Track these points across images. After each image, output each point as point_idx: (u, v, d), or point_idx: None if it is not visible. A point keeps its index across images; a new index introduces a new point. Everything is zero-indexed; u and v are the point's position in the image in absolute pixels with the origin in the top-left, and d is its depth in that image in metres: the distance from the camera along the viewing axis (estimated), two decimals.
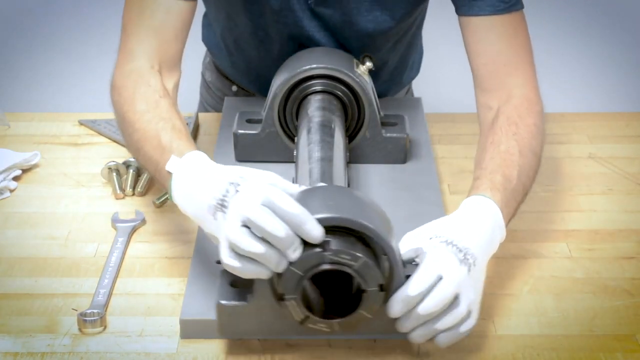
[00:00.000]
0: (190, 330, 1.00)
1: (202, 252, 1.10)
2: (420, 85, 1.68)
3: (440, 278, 0.94)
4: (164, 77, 1.19)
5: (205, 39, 1.55)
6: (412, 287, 0.93)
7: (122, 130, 1.14)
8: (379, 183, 1.27)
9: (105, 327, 1.02)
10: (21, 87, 2.73)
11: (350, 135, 1.29)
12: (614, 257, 1.16)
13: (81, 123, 1.47)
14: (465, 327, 0.96)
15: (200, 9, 1.53)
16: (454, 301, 0.94)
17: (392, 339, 1.00)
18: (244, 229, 0.89)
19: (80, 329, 1.02)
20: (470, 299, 0.95)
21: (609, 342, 1.01)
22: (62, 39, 2.82)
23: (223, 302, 0.96)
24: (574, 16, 2.82)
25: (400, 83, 1.54)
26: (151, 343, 1.00)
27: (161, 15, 1.21)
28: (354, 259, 0.90)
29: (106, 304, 1.05)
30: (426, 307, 0.93)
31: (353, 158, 1.29)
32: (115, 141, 1.42)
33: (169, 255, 1.15)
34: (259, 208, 0.89)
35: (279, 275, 0.91)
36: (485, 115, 1.22)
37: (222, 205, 0.92)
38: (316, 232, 0.89)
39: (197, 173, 0.99)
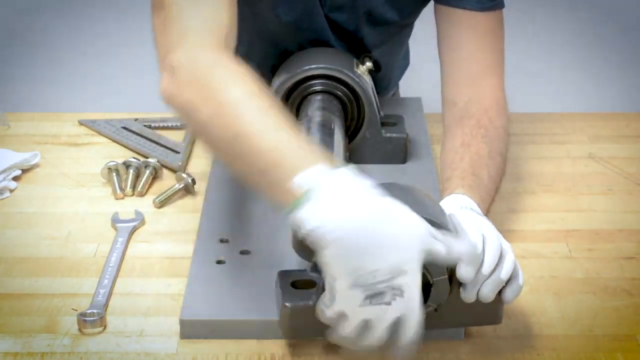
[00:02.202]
0: (190, 330, 1.00)
1: (202, 252, 1.10)
2: (419, 85, 1.68)
3: (482, 234, 0.94)
4: None
5: None
6: (475, 246, 0.92)
7: (210, 105, 0.90)
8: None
9: (105, 327, 1.02)
10: (21, 87, 2.73)
11: (350, 135, 1.30)
12: (614, 257, 1.16)
13: (81, 123, 1.47)
14: (521, 278, 0.96)
15: None
16: (502, 250, 0.95)
17: None
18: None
19: (80, 329, 1.02)
20: (509, 246, 0.96)
21: (609, 342, 1.01)
22: (62, 39, 2.82)
23: (288, 304, 0.94)
24: (574, 16, 2.82)
25: (398, 76, 1.55)
26: (151, 343, 1.00)
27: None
28: None
29: (106, 304, 1.05)
30: (489, 264, 0.93)
31: (353, 158, 1.29)
32: (115, 141, 1.42)
33: (169, 255, 1.15)
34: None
35: None
36: (450, 110, 1.23)
37: (375, 299, 0.84)
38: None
39: (358, 210, 0.83)
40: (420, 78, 1.61)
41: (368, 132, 1.29)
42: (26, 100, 2.63)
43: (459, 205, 1.02)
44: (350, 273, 0.83)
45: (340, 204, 0.82)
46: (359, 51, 1.34)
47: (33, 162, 1.34)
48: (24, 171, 1.33)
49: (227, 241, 1.12)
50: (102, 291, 1.07)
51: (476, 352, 0.99)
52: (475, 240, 0.93)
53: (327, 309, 0.88)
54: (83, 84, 2.71)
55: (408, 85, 1.66)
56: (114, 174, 1.29)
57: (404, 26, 1.40)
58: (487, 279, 0.93)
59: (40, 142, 1.42)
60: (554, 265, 1.14)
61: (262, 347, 0.99)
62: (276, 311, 0.98)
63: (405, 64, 1.57)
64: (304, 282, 0.96)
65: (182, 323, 1.00)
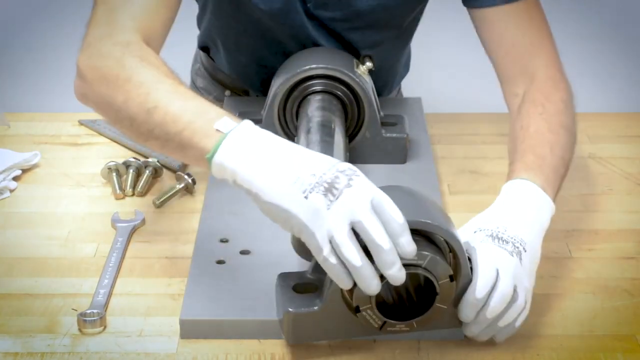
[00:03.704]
0: (190, 330, 1.00)
1: (202, 252, 1.10)
2: (418, 85, 1.68)
3: (497, 273, 0.93)
4: None
5: (200, 43, 1.54)
6: (478, 290, 0.93)
7: (121, 91, 0.99)
8: (379, 183, 1.26)
9: (105, 327, 1.02)
10: (21, 87, 2.73)
11: (350, 135, 1.29)
12: (614, 257, 1.16)
13: (81, 123, 1.47)
14: (520, 320, 0.96)
15: (188, 16, 1.52)
16: (513, 294, 0.94)
17: (392, 340, 1.00)
18: (351, 233, 0.85)
19: (80, 329, 1.02)
20: (526, 288, 0.96)
21: (609, 342, 1.01)
22: (62, 39, 2.81)
23: (291, 309, 0.94)
24: (574, 16, 2.81)
25: (394, 82, 1.54)
26: (151, 343, 1.00)
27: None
28: (421, 258, 0.90)
29: (106, 304, 1.05)
30: (493, 310, 0.93)
31: (353, 158, 1.29)
32: (115, 141, 1.42)
33: (169, 255, 1.15)
34: (371, 213, 0.86)
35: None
36: (513, 102, 1.21)
37: (330, 192, 0.86)
38: (411, 247, 0.86)
39: (277, 140, 0.91)
40: (418, 78, 1.61)
41: (368, 132, 1.29)
42: (26, 100, 2.63)
43: (493, 227, 0.98)
44: (290, 184, 0.86)
45: (246, 145, 0.90)
46: (349, 52, 1.34)
47: (33, 162, 1.34)
48: (24, 171, 1.33)
49: (227, 241, 1.12)
50: (102, 291, 1.07)
51: (476, 352, 0.99)
52: (484, 283, 0.92)
53: (324, 250, 0.86)
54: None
55: (409, 85, 1.66)
56: (114, 174, 1.29)
57: (396, 28, 1.39)
58: (487, 320, 0.94)
59: (40, 142, 1.42)
60: (554, 265, 1.14)
61: (262, 347, 0.99)
62: (276, 312, 0.98)
63: (404, 70, 1.56)
64: (305, 286, 0.96)
65: (182, 323, 1.00)
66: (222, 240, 1.12)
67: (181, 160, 1.22)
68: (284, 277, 0.97)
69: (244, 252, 1.10)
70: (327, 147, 1.15)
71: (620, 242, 1.19)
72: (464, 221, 1.03)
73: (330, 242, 0.86)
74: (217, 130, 0.91)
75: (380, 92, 1.49)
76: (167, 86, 0.98)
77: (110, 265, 1.12)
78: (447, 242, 0.93)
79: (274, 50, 1.37)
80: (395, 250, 0.86)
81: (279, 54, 1.34)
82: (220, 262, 1.09)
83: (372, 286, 0.87)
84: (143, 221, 1.21)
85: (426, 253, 0.90)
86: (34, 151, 1.35)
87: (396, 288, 0.95)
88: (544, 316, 1.05)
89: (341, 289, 0.92)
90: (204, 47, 1.54)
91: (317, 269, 0.93)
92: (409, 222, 0.88)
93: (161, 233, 1.20)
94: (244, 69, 1.48)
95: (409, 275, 0.90)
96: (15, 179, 1.31)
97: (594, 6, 2.83)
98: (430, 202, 0.96)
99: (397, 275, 0.86)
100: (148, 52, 1.04)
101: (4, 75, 2.78)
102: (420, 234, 0.92)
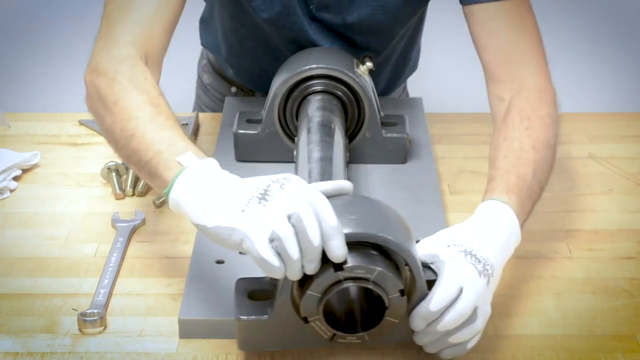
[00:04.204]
0: (189, 330, 1.00)
1: (201, 252, 1.10)
2: (419, 85, 1.68)
3: (461, 290, 0.92)
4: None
5: (205, 42, 1.55)
6: (433, 303, 0.92)
7: (109, 114, 1.06)
8: (379, 183, 1.27)
9: (105, 327, 1.02)
10: (21, 87, 2.73)
11: (350, 135, 1.29)
12: (614, 257, 1.16)
13: (81, 123, 1.47)
14: (472, 343, 0.95)
15: (196, 11, 1.53)
16: (472, 315, 0.93)
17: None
18: (290, 225, 0.86)
19: (80, 329, 1.02)
20: (487, 312, 0.95)
21: (609, 342, 1.01)
22: (62, 38, 2.81)
23: (243, 317, 0.94)
24: (574, 16, 2.81)
25: (400, 79, 1.54)
26: (151, 343, 1.00)
27: (151, 7, 1.15)
28: (369, 272, 0.89)
29: (106, 304, 1.05)
30: (445, 324, 0.92)
31: (353, 158, 1.29)
32: None
33: (169, 255, 1.15)
34: (307, 206, 0.86)
35: (299, 296, 0.91)
36: (498, 107, 1.20)
37: (264, 199, 0.87)
38: (341, 252, 0.86)
39: (223, 173, 0.94)
40: (419, 77, 1.61)
41: (368, 132, 1.29)
42: (26, 100, 2.63)
43: (468, 244, 0.97)
44: (230, 207, 0.89)
45: (197, 181, 0.93)
46: (350, 54, 1.34)
47: (33, 162, 1.34)
48: (24, 171, 1.33)
49: None
50: (102, 291, 1.07)
51: (476, 352, 0.99)
52: (442, 297, 0.91)
53: (260, 249, 0.86)
54: (83, 84, 2.70)
55: (410, 85, 1.65)
56: (114, 174, 1.29)
57: (397, 31, 1.39)
58: (438, 333, 0.93)
59: (40, 142, 1.42)
60: (554, 265, 1.14)
61: None
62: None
63: (410, 70, 1.56)
64: (262, 292, 0.95)
65: (181, 323, 1.00)
66: None
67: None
68: (242, 282, 0.97)
69: (243, 252, 1.10)
70: (327, 147, 1.15)
71: (620, 242, 1.19)
72: (464, 221, 1.03)
73: (271, 242, 0.86)
74: (179, 163, 0.95)
75: (384, 92, 1.49)
76: (147, 114, 1.02)
77: (111, 265, 1.12)
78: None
79: (275, 57, 1.37)
80: (321, 249, 0.86)
81: (279, 60, 1.33)
82: (219, 262, 1.09)
83: (297, 275, 0.87)
84: (143, 221, 1.21)
85: (374, 267, 0.89)
86: (34, 151, 1.35)
87: (348, 301, 0.95)
88: (544, 316, 1.05)
89: (291, 299, 0.92)
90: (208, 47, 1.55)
91: None
92: (357, 234, 0.88)
93: (161, 233, 1.20)
94: (247, 73, 1.48)
95: (359, 289, 0.91)
96: (15, 179, 1.31)
97: (594, 6, 2.83)
98: (394, 216, 0.94)
99: (313, 271, 0.87)
100: (138, 73, 1.08)
101: (4, 75, 2.77)
102: (376, 248, 0.91)
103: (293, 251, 0.85)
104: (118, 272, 1.11)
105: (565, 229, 1.22)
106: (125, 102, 1.04)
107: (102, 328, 1.02)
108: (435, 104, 1.63)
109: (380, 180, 1.28)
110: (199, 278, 1.06)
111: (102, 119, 1.07)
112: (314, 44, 1.34)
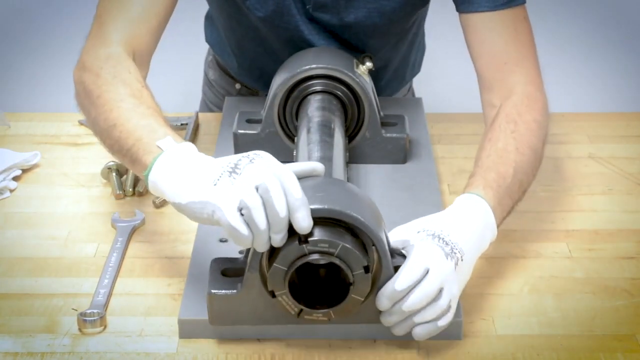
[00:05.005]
0: (189, 330, 1.00)
1: (201, 252, 1.10)
2: (420, 85, 1.68)
3: (427, 271, 0.94)
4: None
5: (209, 39, 1.55)
6: (399, 282, 0.94)
7: (93, 107, 1.10)
8: (379, 183, 1.27)
9: (105, 327, 1.02)
10: (21, 87, 2.73)
11: (350, 135, 1.29)
12: (614, 257, 1.16)
13: (81, 123, 1.47)
14: (443, 321, 0.96)
15: (201, 9, 1.53)
16: (437, 294, 0.95)
17: (392, 340, 1.00)
18: (258, 195, 0.89)
19: (80, 329, 1.02)
20: (453, 294, 0.96)
21: (609, 342, 1.01)
22: (62, 38, 2.81)
23: (214, 291, 0.96)
24: (574, 16, 2.82)
25: (403, 80, 1.54)
26: (151, 343, 1.00)
27: (141, 7, 1.19)
28: (333, 246, 0.91)
29: (106, 304, 1.05)
30: (410, 305, 0.94)
31: (353, 158, 1.29)
32: None
33: (169, 255, 1.15)
34: (275, 178, 0.89)
35: (267, 270, 0.93)
36: (489, 113, 1.22)
37: (234, 172, 0.91)
38: (306, 223, 0.89)
39: (198, 154, 0.97)
40: (421, 77, 1.61)
41: (368, 132, 1.29)
42: (26, 100, 2.63)
43: (437, 229, 0.99)
44: (202, 182, 0.93)
45: (174, 163, 0.96)
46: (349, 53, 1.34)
47: (33, 162, 1.34)
48: (24, 171, 1.33)
49: (226, 241, 1.12)
50: (102, 291, 1.07)
51: (476, 352, 0.99)
52: (407, 277, 0.93)
53: (229, 218, 0.89)
54: None
55: (416, 85, 1.66)
56: (114, 174, 1.29)
57: (395, 32, 1.39)
58: (404, 313, 0.95)
59: (40, 142, 1.42)
60: (554, 265, 1.14)
61: (262, 347, 0.99)
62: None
63: (412, 70, 1.56)
64: (234, 270, 0.98)
65: (181, 323, 1.00)
66: (221, 240, 1.12)
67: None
68: (216, 261, 1.00)
69: (242, 252, 1.10)
70: (327, 147, 1.15)
71: (620, 242, 1.19)
72: None
73: (241, 212, 0.89)
74: (158, 147, 0.99)
75: (385, 92, 1.49)
76: (129, 105, 1.06)
77: (110, 265, 1.12)
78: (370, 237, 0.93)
79: (273, 57, 1.37)
80: (287, 221, 0.89)
81: (277, 61, 1.34)
82: (222, 240, 1.09)
83: (264, 246, 0.91)
84: (143, 221, 1.21)
85: (338, 242, 0.91)
86: (34, 151, 1.35)
87: (316, 279, 0.96)
88: (544, 316, 1.05)
89: (260, 275, 0.94)
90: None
91: (247, 253, 0.95)
92: (322, 209, 0.91)
93: (161, 233, 1.20)
94: (248, 72, 1.48)
95: (325, 265, 0.92)
96: (15, 179, 1.31)
97: (594, 6, 2.83)
98: (364, 200, 0.97)
99: (279, 243, 0.90)
100: (122, 68, 1.12)
101: (4, 75, 2.78)
102: (345, 228, 0.93)
103: (260, 221, 0.89)
104: (118, 272, 1.11)
105: (565, 229, 1.22)
106: (108, 95, 1.08)
107: (102, 328, 1.02)
108: (437, 105, 1.63)
109: (380, 180, 1.28)
110: (199, 278, 1.06)
111: (88, 112, 1.11)
112: (309, 44, 1.34)
